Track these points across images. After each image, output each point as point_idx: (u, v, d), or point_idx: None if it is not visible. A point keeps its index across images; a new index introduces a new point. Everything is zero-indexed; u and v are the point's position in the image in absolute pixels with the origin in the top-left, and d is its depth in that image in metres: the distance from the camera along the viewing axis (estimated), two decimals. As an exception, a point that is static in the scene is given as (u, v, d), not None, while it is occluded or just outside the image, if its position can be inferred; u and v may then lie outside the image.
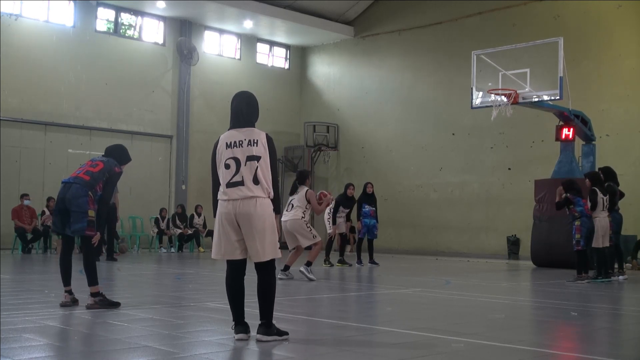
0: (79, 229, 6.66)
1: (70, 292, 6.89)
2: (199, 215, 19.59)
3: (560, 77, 14.01)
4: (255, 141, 5.16)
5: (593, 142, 15.90)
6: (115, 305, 6.83)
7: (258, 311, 5.17)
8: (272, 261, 5.20)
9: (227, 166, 5.14)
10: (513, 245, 18.46)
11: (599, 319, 7.16)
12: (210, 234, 18.25)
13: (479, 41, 18.42)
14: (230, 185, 5.12)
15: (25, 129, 18.44)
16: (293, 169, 22.92)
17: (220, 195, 5.19)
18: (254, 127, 5.30)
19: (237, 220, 5.11)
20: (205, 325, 5.98)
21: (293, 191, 10.81)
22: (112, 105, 19.86)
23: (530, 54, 15.23)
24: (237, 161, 5.12)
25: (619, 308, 8.35)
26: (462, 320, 6.61)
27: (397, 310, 7.60)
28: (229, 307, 5.25)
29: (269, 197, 5.17)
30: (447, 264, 15.86)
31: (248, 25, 22.03)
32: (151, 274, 12.02)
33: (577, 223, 11.03)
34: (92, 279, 6.78)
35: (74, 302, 6.89)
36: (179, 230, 19.01)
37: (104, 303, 6.78)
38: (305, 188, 10.78)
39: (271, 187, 5.18)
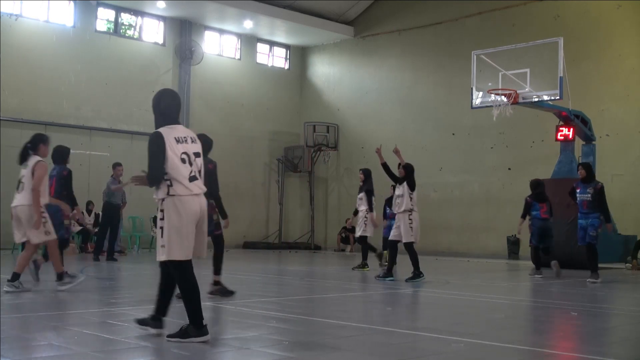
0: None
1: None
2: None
3: (560, 77, 14.01)
4: (194, 139, 5.37)
5: (593, 142, 15.90)
6: (229, 293, 7.84)
7: (201, 312, 5.15)
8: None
9: (183, 160, 5.21)
10: (513, 245, 18.44)
11: (598, 319, 7.16)
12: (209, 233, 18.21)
13: (479, 41, 18.41)
14: (190, 179, 5.20)
15: (25, 129, 18.34)
16: (293, 169, 22.92)
17: (181, 190, 5.13)
18: None
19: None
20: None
21: (23, 159, 8.29)
22: (112, 105, 19.84)
23: (530, 54, 15.21)
24: (189, 156, 5.24)
25: (619, 308, 8.35)
26: (462, 320, 6.61)
27: (397, 310, 7.60)
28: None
29: None
30: (447, 264, 15.86)
31: (248, 25, 22.02)
32: (151, 274, 12.00)
33: (529, 223, 12.16)
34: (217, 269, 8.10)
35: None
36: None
37: (223, 292, 7.83)
38: (37, 158, 8.09)
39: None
